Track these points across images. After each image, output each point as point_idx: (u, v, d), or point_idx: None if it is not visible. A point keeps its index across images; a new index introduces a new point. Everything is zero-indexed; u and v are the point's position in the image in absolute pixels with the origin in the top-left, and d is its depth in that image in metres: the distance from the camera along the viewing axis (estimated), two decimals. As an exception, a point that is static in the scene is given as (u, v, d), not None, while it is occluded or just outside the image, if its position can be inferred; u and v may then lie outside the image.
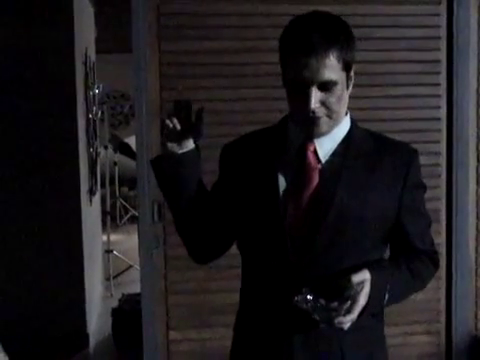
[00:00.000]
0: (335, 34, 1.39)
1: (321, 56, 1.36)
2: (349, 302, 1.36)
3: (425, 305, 2.88)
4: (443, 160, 2.92)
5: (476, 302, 3.00)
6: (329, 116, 1.42)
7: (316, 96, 1.38)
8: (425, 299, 2.85)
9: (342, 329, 1.37)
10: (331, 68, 1.37)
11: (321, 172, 1.46)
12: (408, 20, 2.83)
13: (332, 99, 1.40)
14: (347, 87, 1.44)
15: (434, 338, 2.98)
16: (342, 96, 1.42)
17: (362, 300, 1.37)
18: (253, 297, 1.55)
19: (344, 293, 1.36)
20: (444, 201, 2.93)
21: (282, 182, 1.47)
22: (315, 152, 1.46)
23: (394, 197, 1.48)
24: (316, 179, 1.45)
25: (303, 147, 1.47)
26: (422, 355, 2.97)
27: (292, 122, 1.50)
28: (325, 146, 1.47)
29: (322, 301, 1.36)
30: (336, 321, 1.35)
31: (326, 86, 1.38)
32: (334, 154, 1.47)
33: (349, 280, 1.37)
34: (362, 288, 1.37)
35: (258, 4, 2.73)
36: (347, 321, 1.36)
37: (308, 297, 1.36)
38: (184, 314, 2.80)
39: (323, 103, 1.40)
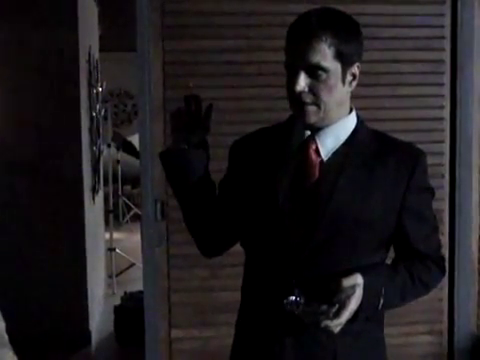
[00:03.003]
0: (330, 22, 1.39)
1: (310, 40, 1.36)
2: (337, 306, 1.34)
3: (427, 305, 2.87)
4: (446, 160, 2.92)
5: (479, 302, 3.00)
6: (317, 105, 1.40)
7: (303, 79, 1.38)
8: (427, 299, 2.81)
9: (332, 332, 1.35)
10: (320, 53, 1.36)
11: (321, 171, 1.45)
12: (412, 20, 2.82)
13: (321, 86, 1.38)
14: (343, 81, 1.42)
15: (436, 338, 2.98)
16: (334, 87, 1.40)
17: (353, 305, 1.35)
18: (251, 296, 1.55)
19: (334, 297, 1.35)
20: (447, 201, 2.93)
21: (283, 180, 1.46)
22: (317, 151, 1.46)
23: (395, 199, 1.45)
24: (316, 177, 1.44)
25: (305, 145, 1.46)
26: (424, 355, 2.97)
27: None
28: (327, 145, 1.46)
29: (312, 304, 1.34)
30: (322, 325, 1.33)
31: (314, 71, 1.37)
32: (336, 153, 1.46)
33: (339, 284, 1.35)
34: (353, 292, 1.35)
35: (262, 3, 2.73)
36: (334, 325, 1.34)
37: (297, 299, 1.35)
38: (186, 312, 2.80)
39: (311, 89, 1.39)
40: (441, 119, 2.90)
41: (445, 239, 2.91)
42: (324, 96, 1.39)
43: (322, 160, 1.46)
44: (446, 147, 2.91)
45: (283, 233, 1.44)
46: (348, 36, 1.40)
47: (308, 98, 1.39)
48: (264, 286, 1.49)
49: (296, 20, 1.42)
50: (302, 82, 1.38)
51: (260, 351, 1.50)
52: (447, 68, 2.88)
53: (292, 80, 1.39)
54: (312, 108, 1.40)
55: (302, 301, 1.35)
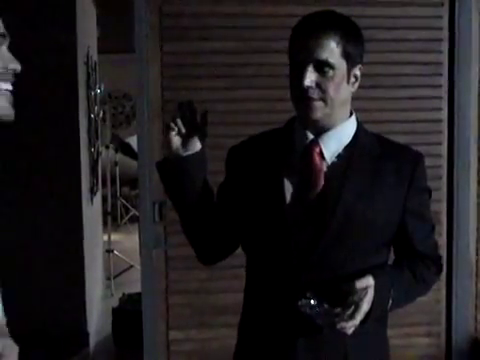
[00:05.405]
0: (337, 21, 1.42)
1: (319, 37, 1.38)
2: (352, 308, 1.35)
3: (425, 307, 2.87)
4: (444, 162, 2.92)
5: (476, 304, 3.00)
6: (324, 100, 1.40)
7: (311, 75, 1.39)
8: (425, 301, 2.84)
9: (345, 334, 1.37)
10: (328, 50, 1.38)
11: (326, 174, 1.45)
12: (410, 22, 2.83)
13: (328, 83, 1.40)
14: (348, 81, 1.44)
15: (434, 340, 2.98)
16: (341, 85, 1.42)
17: (365, 306, 1.37)
18: (257, 299, 1.54)
19: (347, 299, 1.36)
20: (445, 203, 2.93)
21: (288, 184, 1.46)
22: (321, 154, 1.46)
23: (398, 201, 1.47)
24: (322, 181, 1.45)
25: (309, 148, 1.47)
26: (422, 357, 2.97)
27: (299, 123, 1.50)
28: (331, 148, 1.47)
29: (325, 306, 1.35)
30: (338, 327, 1.35)
31: (322, 67, 1.39)
32: (339, 156, 1.47)
33: (353, 286, 1.36)
34: (366, 294, 1.37)
35: (260, 5, 2.74)
36: (349, 327, 1.36)
37: (311, 302, 1.35)
38: (185, 314, 2.80)
39: (318, 85, 1.39)
40: (439, 121, 2.91)
41: (443, 241, 2.92)
42: (331, 92, 1.40)
43: (327, 164, 1.46)
44: (444, 149, 2.92)
45: (291, 237, 1.44)
46: (353, 37, 1.43)
47: (315, 93, 1.40)
48: (272, 289, 1.48)
49: (302, 20, 1.44)
50: (310, 77, 1.38)
51: (270, 354, 1.49)
52: (445, 70, 2.88)
53: (299, 76, 1.39)
54: (319, 103, 1.41)
55: (316, 303, 1.36)
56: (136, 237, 5.62)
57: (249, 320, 1.57)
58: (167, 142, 1.46)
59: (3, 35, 1.28)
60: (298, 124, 1.50)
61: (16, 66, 1.29)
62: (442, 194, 2.91)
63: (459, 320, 2.97)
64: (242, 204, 1.51)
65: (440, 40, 2.87)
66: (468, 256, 2.96)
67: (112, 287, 5.20)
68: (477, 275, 2.99)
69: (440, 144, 2.91)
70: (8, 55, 1.29)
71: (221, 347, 2.69)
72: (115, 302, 4.36)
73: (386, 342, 1.58)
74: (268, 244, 1.48)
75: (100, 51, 5.51)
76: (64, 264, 3.91)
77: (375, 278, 1.39)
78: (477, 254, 2.99)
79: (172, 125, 1.44)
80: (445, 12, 2.86)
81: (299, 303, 1.36)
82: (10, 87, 1.30)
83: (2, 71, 1.26)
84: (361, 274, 1.39)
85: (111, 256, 5.48)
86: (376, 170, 1.46)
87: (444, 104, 2.90)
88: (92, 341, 4.07)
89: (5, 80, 1.28)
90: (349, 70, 1.43)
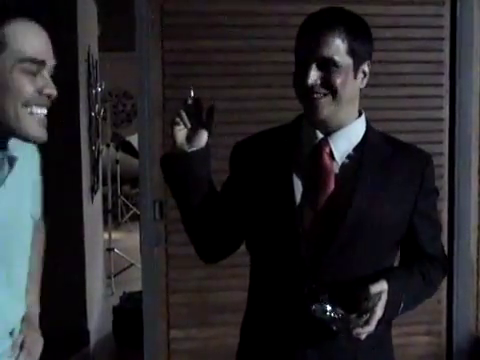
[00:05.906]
0: (343, 18, 1.39)
1: (324, 34, 1.36)
2: (368, 314, 1.33)
3: (426, 306, 2.84)
4: (445, 161, 2.92)
5: (477, 303, 3.00)
6: (331, 96, 1.37)
7: (314, 73, 1.36)
8: (426, 300, 2.84)
9: (358, 339, 1.35)
10: (333, 47, 1.36)
11: (337, 176, 1.42)
12: (411, 21, 2.82)
13: (334, 79, 1.36)
14: (355, 76, 1.40)
15: (435, 339, 2.98)
16: (347, 82, 1.38)
17: (379, 311, 1.35)
18: (264, 301, 1.51)
19: (362, 304, 1.33)
20: (446, 202, 2.93)
21: (297, 183, 1.44)
22: (331, 154, 1.43)
23: (409, 202, 1.46)
24: (332, 184, 1.42)
25: (318, 148, 1.44)
26: (423, 356, 2.97)
27: (307, 121, 1.47)
28: (341, 148, 1.44)
29: (340, 312, 1.32)
30: (354, 332, 1.33)
31: (327, 65, 1.36)
32: (349, 157, 1.44)
33: (367, 291, 1.34)
34: (379, 299, 1.35)
35: (261, 3, 2.73)
36: (365, 332, 1.34)
37: (327, 307, 1.33)
38: (185, 312, 2.80)
39: (323, 83, 1.36)
40: (440, 120, 2.91)
41: (444, 240, 2.91)
42: (340, 89, 1.37)
43: (338, 165, 1.44)
44: (445, 148, 2.91)
45: (301, 238, 1.41)
46: (360, 33, 1.41)
47: (321, 90, 1.37)
48: (281, 292, 1.45)
49: (308, 17, 1.41)
50: (314, 76, 1.36)
51: (278, 357, 1.47)
52: (446, 69, 2.88)
53: (303, 74, 1.36)
54: (325, 100, 1.37)
55: (330, 308, 1.33)
56: (137, 235, 5.61)
57: (255, 322, 1.54)
58: (172, 137, 1.43)
59: (42, 62, 1.30)
60: (306, 122, 1.47)
61: (52, 91, 1.31)
62: (443, 193, 2.91)
63: (460, 319, 2.97)
64: (249, 202, 1.48)
65: (441, 39, 2.87)
66: (469, 255, 2.96)
67: (113, 286, 5.20)
68: (478, 274, 2.99)
69: (441, 143, 2.91)
70: (47, 80, 1.31)
71: (221, 346, 2.69)
72: (116, 301, 4.35)
73: (391, 342, 1.57)
74: (277, 246, 1.45)
75: (101, 49, 5.50)
76: (65, 263, 3.91)
77: (388, 282, 1.37)
78: (478, 253, 2.99)
79: (177, 120, 1.41)
80: (446, 11, 2.86)
81: (313, 308, 1.33)
82: (45, 111, 1.32)
83: (35, 95, 1.28)
84: (373, 277, 1.37)
85: (112, 254, 5.48)
86: (386, 170, 1.44)
87: (445, 103, 2.90)
88: (92, 340, 4.07)
89: (41, 105, 1.30)
90: (356, 67, 1.40)
